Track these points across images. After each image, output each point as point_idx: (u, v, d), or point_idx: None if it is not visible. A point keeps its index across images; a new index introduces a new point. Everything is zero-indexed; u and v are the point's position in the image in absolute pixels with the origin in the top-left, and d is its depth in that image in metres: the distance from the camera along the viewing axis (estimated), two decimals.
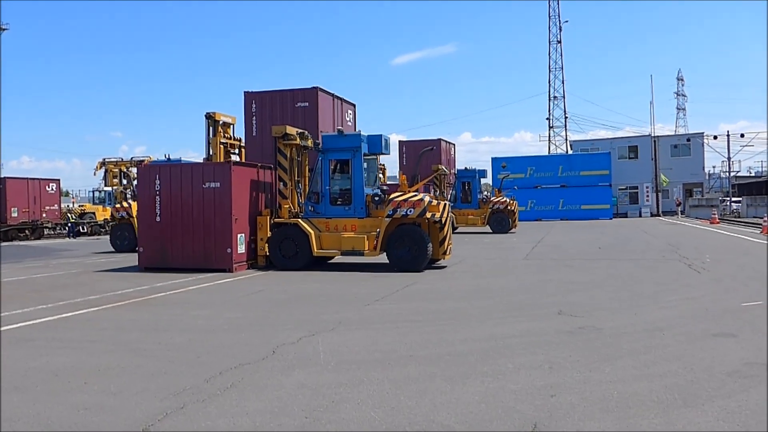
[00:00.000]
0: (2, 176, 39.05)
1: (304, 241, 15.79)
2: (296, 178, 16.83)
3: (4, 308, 10.48)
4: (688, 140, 56.21)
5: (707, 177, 62.41)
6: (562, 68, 73.43)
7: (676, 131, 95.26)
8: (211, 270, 15.50)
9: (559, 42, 73.06)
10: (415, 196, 15.49)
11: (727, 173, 64.36)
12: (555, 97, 73.45)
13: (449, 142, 41.86)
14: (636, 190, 53.73)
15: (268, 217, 16.60)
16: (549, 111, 73.61)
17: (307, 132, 16.82)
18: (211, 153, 22.14)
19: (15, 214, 35.45)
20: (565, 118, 72.81)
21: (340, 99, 22.71)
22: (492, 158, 54.86)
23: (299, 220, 15.96)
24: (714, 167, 75.76)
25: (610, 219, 47.42)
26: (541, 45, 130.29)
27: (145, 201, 16.57)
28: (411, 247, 15.07)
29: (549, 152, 71.62)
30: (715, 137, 56.82)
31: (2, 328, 8.79)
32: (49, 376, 6.28)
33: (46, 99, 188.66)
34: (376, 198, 15.69)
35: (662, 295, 10.87)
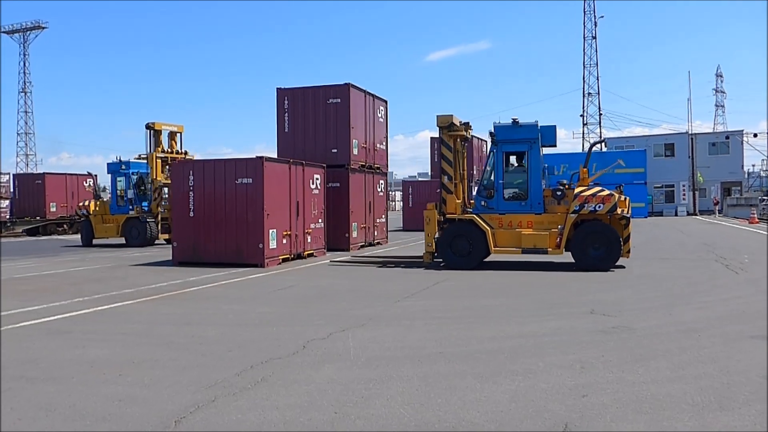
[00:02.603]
0: (42, 172, 39.97)
1: (479, 239, 14.82)
2: (461, 171, 15.95)
3: (42, 300, 10.71)
4: (727, 138, 55.04)
5: (746, 176, 61.03)
6: (596, 64, 72.38)
7: (714, 129, 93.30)
8: (243, 265, 15.65)
9: (594, 38, 72.00)
10: (603, 190, 14.38)
11: (767, 172, 62.89)
12: (589, 93, 72.42)
13: (481, 139, 41.58)
14: (672, 189, 52.75)
15: (435, 212, 15.66)
16: (583, 108, 72.64)
17: (470, 123, 16.09)
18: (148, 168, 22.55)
19: (54, 209, 36.27)
20: (600, 115, 71.75)
21: (372, 95, 22.75)
22: None
23: (474, 216, 15.00)
24: (753, 166, 74.00)
25: (645, 217, 46.67)
26: (576, 41, 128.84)
27: (179, 196, 16.79)
28: (602, 246, 14.10)
29: (583, 149, 70.76)
30: (755, 135, 55.76)
31: (40, 320, 8.99)
32: (84, 367, 6.40)
33: (86, 96, 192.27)
34: (558, 193, 14.70)
35: (697, 295, 10.66)
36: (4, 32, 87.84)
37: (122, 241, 25.27)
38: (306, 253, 18.04)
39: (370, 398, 5.24)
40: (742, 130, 55.57)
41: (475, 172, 39.77)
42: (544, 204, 14.81)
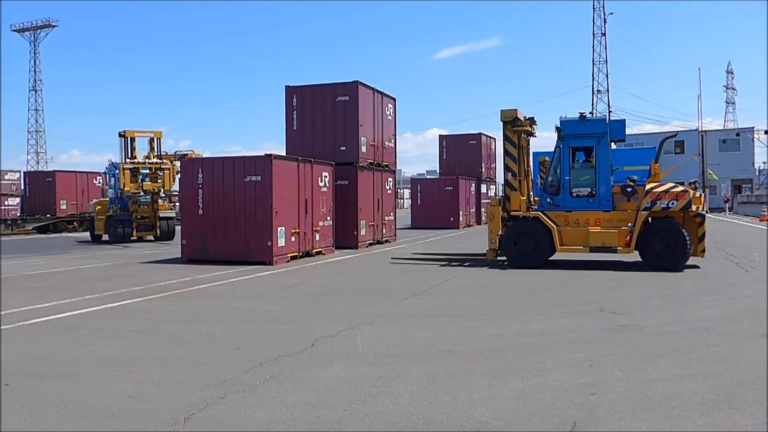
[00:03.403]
0: (52, 170, 40.20)
1: (544, 237, 14.44)
2: (525, 167, 15.59)
3: (52, 298, 10.78)
4: (738, 135, 54.74)
5: (757, 173, 60.61)
6: (606, 61, 72.13)
7: (724, 126, 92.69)
8: (251, 263, 15.69)
9: (604, 35, 71.73)
10: (677, 187, 13.84)
11: None
12: (599, 90, 72.20)
13: (490, 137, 41.52)
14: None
15: (499, 208, 15.29)
16: (593, 105, 72.36)
17: (534, 118, 15.63)
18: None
19: (64, 207, 36.49)
20: (609, 112, 71.34)
21: (381, 93, 22.74)
22: (533, 153, 54.17)
23: (540, 213, 14.66)
24: (764, 163, 73.48)
25: None
26: (585, 38, 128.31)
27: (188, 194, 16.84)
28: (670, 244, 13.51)
29: None
30: (766, 132, 55.17)
31: (50, 317, 9.05)
32: (94, 364, 6.43)
33: (95, 94, 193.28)
34: (628, 189, 14.20)
35: (707, 293, 10.61)
36: (14, 30, 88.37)
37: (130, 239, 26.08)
38: (314, 250, 18.07)
39: (379, 396, 5.24)
40: (753, 127, 55.27)
41: (483, 170, 39.76)
42: (613, 201, 14.35)
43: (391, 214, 24.09)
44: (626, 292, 10.88)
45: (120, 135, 25.38)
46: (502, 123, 15.19)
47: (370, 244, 21.82)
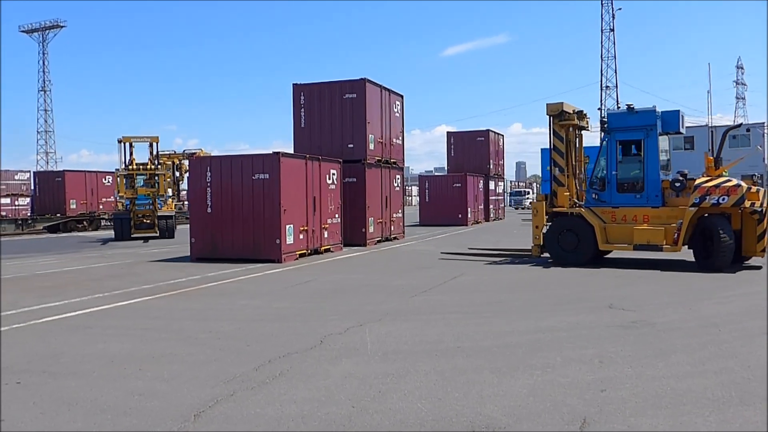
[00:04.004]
0: (62, 170, 40.42)
1: (587, 234, 13.98)
2: (573, 162, 15.11)
3: (63, 297, 10.83)
4: (748, 130, 54.29)
5: (767, 168, 60.20)
6: (614, 57, 71.88)
7: (734, 121, 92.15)
8: (260, 261, 15.71)
9: (612, 30, 71.44)
10: (730, 181, 12.86)
11: None
12: (607, 87, 71.94)
13: (498, 133, 41.43)
14: None
15: (544, 204, 14.97)
16: (601, 101, 72.10)
17: (584, 111, 15.03)
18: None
19: (73, 206, 36.65)
20: (618, 108, 71.20)
21: (388, 90, 22.72)
22: (542, 149, 54.00)
23: (582, 210, 14.23)
24: None
25: None
26: (594, 34, 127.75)
27: (197, 193, 16.89)
28: (709, 243, 12.79)
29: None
30: None
31: (61, 316, 9.10)
32: (105, 362, 6.46)
33: (105, 94, 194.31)
34: (677, 184, 13.38)
35: (718, 290, 10.55)
36: (22, 31, 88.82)
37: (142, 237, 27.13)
38: (323, 248, 18.08)
39: (388, 393, 5.24)
40: (764, 123, 54.79)
41: (491, 167, 39.68)
42: (663, 196, 13.64)
43: (399, 211, 24.07)
44: (637, 288, 10.83)
45: (119, 141, 26.60)
46: (548, 117, 14.82)
47: (379, 242, 21.81)
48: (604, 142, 14.29)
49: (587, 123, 14.98)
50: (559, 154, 14.89)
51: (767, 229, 12.87)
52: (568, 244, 14.27)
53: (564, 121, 14.75)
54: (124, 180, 26.50)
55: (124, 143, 26.51)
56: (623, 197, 13.99)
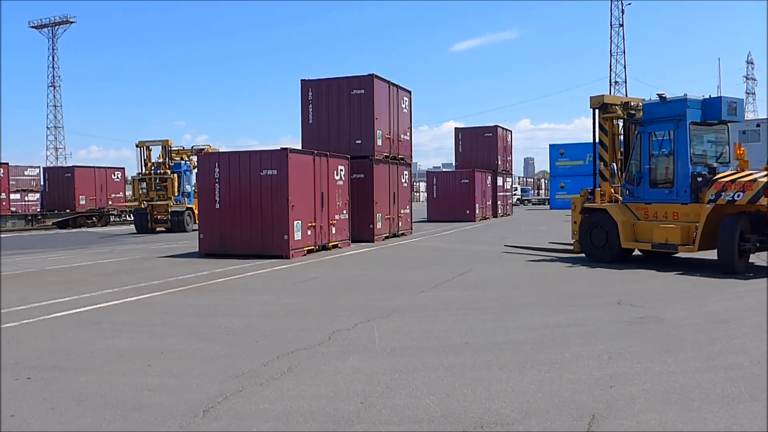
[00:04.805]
0: (71, 165, 40.60)
1: (614, 230, 13.47)
2: (619, 156, 14.55)
3: (73, 292, 10.89)
4: (758, 125, 53.91)
5: None
6: (624, 52, 71.68)
7: (745, 116, 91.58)
8: (268, 256, 15.74)
9: (621, 25, 71.10)
10: (750, 174, 11.88)
11: None
12: (616, 82, 71.60)
13: (506, 129, 41.33)
14: None
15: (581, 199, 14.62)
16: None
17: (633, 102, 14.09)
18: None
19: (83, 202, 36.82)
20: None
21: (396, 86, 22.69)
22: (550, 145, 53.96)
23: (608, 205, 13.82)
24: None
25: None
26: (603, 29, 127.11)
27: (205, 188, 16.93)
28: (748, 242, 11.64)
29: None
30: None
31: (71, 311, 9.14)
32: (114, 357, 6.50)
33: (114, 90, 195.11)
34: (699, 179, 12.41)
35: (728, 286, 10.49)
36: (32, 27, 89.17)
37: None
38: (331, 244, 18.10)
39: (396, 388, 5.25)
40: None
41: (499, 163, 39.60)
42: (696, 192, 12.60)
43: (407, 207, 24.06)
44: (646, 284, 10.79)
45: (136, 146, 29.12)
46: (591, 111, 14.46)
47: (386, 238, 21.82)
48: (638, 134, 13.69)
49: (641, 115, 13.71)
50: (603, 148, 14.48)
51: None
52: (598, 240, 13.92)
53: (608, 114, 14.29)
54: (141, 184, 29.28)
55: (141, 148, 28.98)
56: (655, 193, 13.32)
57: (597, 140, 14.56)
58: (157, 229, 29.26)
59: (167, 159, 29.35)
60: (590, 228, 14.09)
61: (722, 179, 12.02)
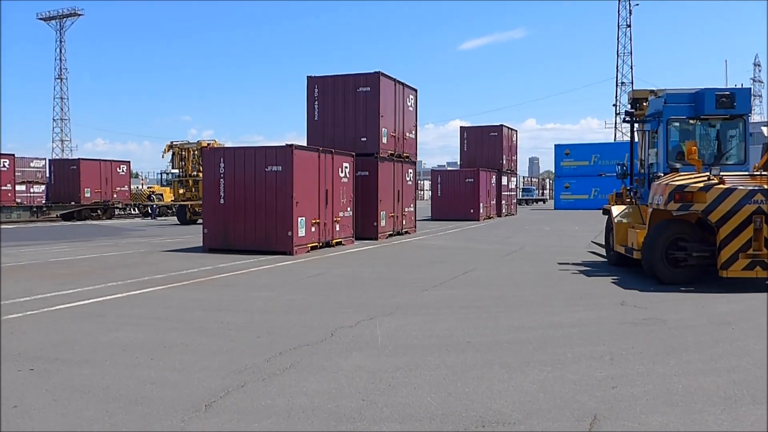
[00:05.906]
0: (77, 158, 40.71)
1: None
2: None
3: (76, 285, 10.92)
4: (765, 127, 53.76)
5: None
6: (631, 53, 71.44)
7: (751, 119, 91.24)
8: (272, 252, 15.76)
9: (629, 26, 71.02)
10: (681, 177, 10.67)
11: None
12: (623, 82, 71.50)
13: (511, 128, 41.26)
14: None
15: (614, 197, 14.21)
16: (616, 97, 71.70)
17: (660, 93, 12.91)
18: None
19: (88, 195, 36.92)
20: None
21: (402, 84, 22.68)
22: (555, 145, 53.93)
23: (612, 207, 13.46)
24: None
25: None
26: (611, 29, 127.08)
27: (210, 184, 16.95)
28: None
29: (615, 139, 69.85)
30: None
31: (74, 304, 9.16)
32: (117, 350, 6.51)
33: (121, 84, 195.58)
34: (655, 180, 11.63)
35: (731, 288, 10.46)
36: (40, 19, 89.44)
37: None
38: (334, 241, 18.12)
39: (398, 386, 5.25)
40: None
41: (504, 162, 39.55)
42: None
43: (411, 205, 24.06)
44: (648, 285, 10.76)
45: (169, 147, 32.65)
46: (630, 104, 13.91)
47: (390, 235, 21.82)
48: (643, 132, 13.29)
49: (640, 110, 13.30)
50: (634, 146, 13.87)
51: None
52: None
53: (640, 110, 13.51)
54: (179, 184, 33.09)
55: (174, 149, 32.57)
56: (646, 193, 12.38)
57: (632, 139, 13.96)
58: (198, 221, 30.36)
59: (198, 162, 31.16)
60: (609, 231, 13.57)
61: (658, 182, 11.20)
